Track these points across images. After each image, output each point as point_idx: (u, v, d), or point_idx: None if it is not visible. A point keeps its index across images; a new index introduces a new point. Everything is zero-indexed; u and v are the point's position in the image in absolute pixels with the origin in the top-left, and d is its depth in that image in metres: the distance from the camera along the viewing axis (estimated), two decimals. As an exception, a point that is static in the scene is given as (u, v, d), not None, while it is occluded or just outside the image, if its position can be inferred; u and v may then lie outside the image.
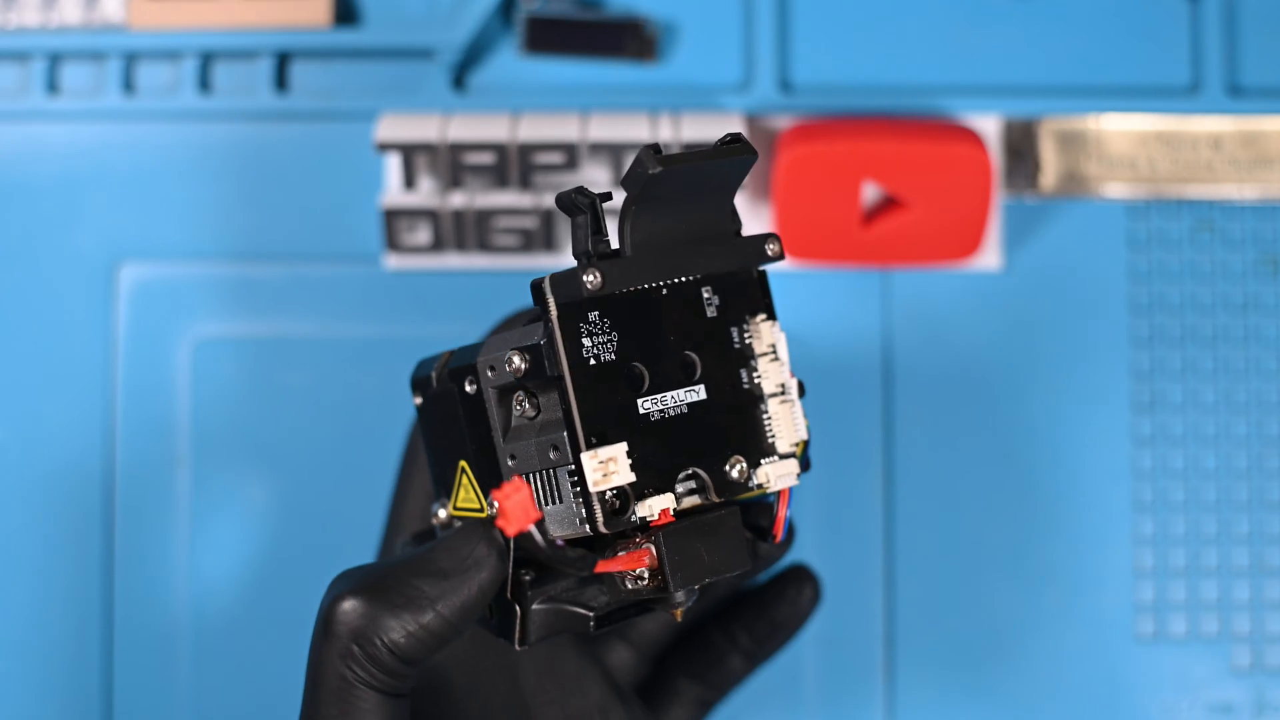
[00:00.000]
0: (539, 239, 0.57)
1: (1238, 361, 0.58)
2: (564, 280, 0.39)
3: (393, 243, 0.57)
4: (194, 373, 0.58)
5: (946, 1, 0.59)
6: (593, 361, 0.39)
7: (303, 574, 0.57)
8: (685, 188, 0.39)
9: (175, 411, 0.58)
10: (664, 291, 0.40)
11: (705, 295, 0.41)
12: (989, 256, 0.58)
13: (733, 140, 0.40)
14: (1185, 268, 0.58)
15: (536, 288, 0.39)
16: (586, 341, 0.39)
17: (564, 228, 0.57)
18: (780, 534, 0.42)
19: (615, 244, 0.40)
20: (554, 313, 0.39)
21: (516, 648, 0.41)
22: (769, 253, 0.42)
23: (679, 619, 0.41)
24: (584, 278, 0.38)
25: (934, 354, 0.58)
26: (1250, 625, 0.57)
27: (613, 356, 0.39)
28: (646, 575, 0.39)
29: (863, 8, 0.59)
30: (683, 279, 0.41)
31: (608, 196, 0.39)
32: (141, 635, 0.57)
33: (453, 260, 0.58)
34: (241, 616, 0.57)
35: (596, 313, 0.39)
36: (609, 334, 0.39)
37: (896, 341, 0.58)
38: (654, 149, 0.38)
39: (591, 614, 0.41)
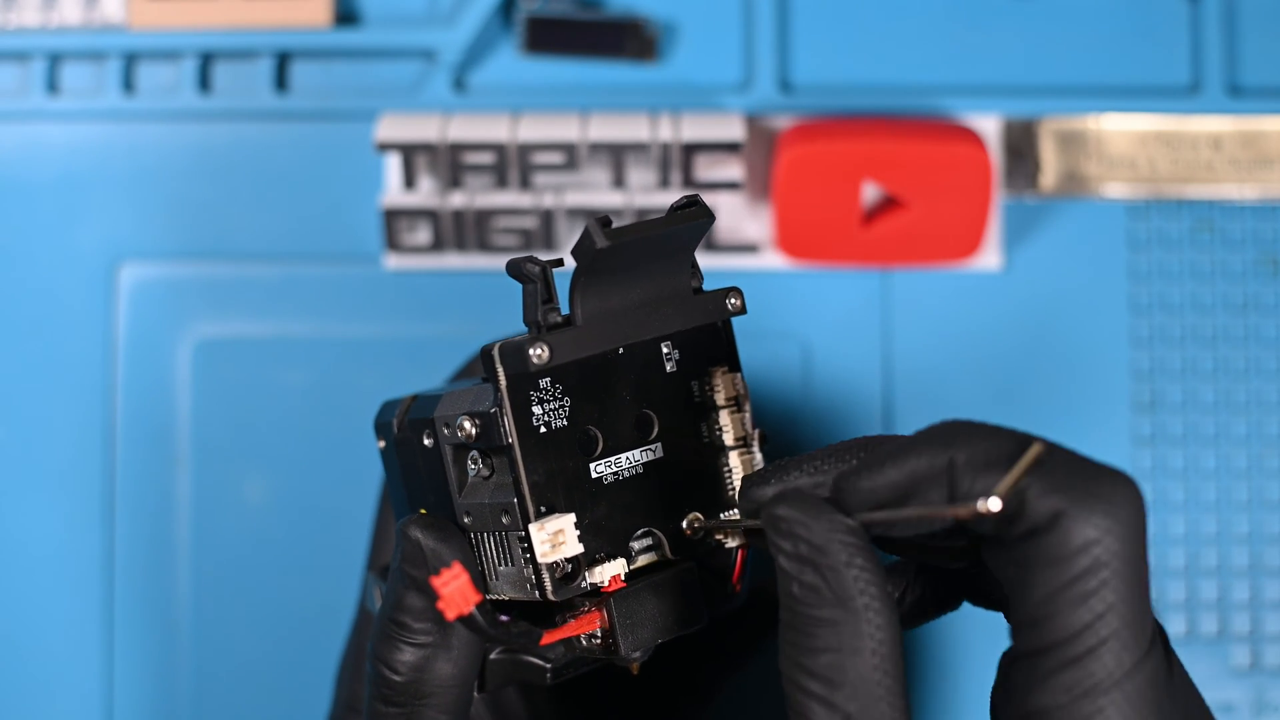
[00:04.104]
0: (539, 239, 0.57)
1: (1238, 361, 0.58)
2: (513, 351, 0.38)
3: (393, 243, 0.57)
4: (194, 373, 0.58)
5: (946, 1, 0.59)
6: (543, 430, 0.38)
7: (303, 574, 0.57)
8: (639, 255, 0.38)
9: (175, 411, 0.58)
10: (620, 351, 0.39)
11: (665, 350, 0.40)
12: (989, 256, 0.58)
13: (688, 204, 0.39)
14: (1185, 268, 0.58)
15: (487, 356, 0.38)
16: (537, 409, 0.38)
17: (564, 227, 0.57)
18: (740, 586, 0.41)
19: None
20: (503, 384, 0.38)
21: (474, 694, 0.41)
22: (730, 307, 0.40)
23: (635, 673, 0.41)
24: (530, 352, 0.37)
25: (934, 354, 0.58)
26: (1249, 625, 0.57)
27: (564, 423, 0.38)
28: (600, 635, 0.39)
29: (863, 8, 0.59)
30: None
31: (559, 263, 0.38)
32: (142, 635, 0.57)
33: (453, 260, 0.58)
34: (241, 616, 0.57)
35: (548, 379, 0.38)
36: (561, 400, 0.38)
37: (896, 341, 0.58)
38: (603, 221, 0.37)
39: (548, 665, 0.40)
